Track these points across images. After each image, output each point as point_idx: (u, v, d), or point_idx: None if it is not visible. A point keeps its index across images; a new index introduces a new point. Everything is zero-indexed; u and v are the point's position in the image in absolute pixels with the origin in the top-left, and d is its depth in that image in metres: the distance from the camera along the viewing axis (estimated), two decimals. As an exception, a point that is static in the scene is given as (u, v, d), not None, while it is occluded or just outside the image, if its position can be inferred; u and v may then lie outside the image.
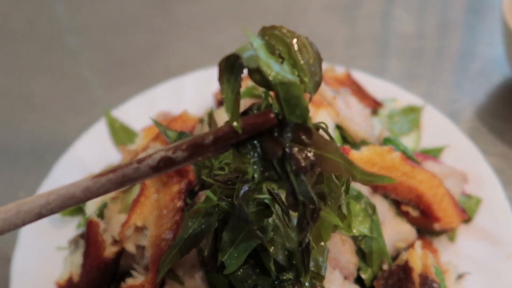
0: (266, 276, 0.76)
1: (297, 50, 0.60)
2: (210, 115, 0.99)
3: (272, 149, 0.59)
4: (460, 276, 0.99)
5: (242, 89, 0.62)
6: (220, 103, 1.23)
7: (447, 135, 1.19)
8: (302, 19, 1.77)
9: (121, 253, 0.92)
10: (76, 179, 0.63)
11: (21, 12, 1.86)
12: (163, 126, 0.96)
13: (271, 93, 0.60)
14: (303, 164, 0.59)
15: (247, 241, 0.74)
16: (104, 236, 0.92)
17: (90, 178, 0.59)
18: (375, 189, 0.99)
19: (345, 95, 1.10)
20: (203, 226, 0.78)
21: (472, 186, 1.10)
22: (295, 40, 0.60)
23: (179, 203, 0.87)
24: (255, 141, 0.61)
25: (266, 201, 0.69)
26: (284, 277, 0.76)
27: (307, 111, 0.59)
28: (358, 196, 0.93)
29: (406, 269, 0.88)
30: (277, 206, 0.70)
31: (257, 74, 0.57)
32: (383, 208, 0.98)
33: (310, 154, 0.59)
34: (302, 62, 0.60)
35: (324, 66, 0.74)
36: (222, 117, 1.00)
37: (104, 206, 1.01)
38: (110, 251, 0.91)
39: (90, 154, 1.22)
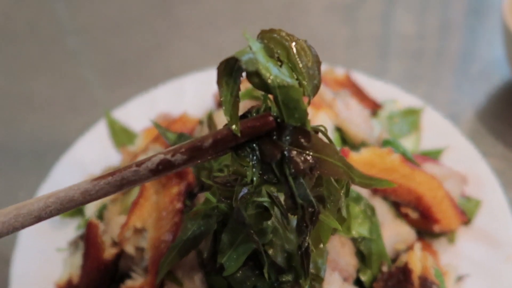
0: (265, 278, 0.76)
1: (295, 53, 0.60)
2: (210, 117, 0.99)
3: (271, 152, 0.59)
4: (459, 278, 0.99)
5: (242, 91, 0.62)
6: (219, 104, 1.23)
7: (446, 137, 1.19)
8: (302, 20, 1.77)
9: (121, 254, 0.92)
10: (76, 179, 0.64)
11: (22, 12, 1.86)
12: (162, 128, 0.96)
13: (270, 96, 0.60)
14: (301, 167, 0.59)
15: (246, 243, 0.74)
16: (104, 238, 0.92)
17: (89, 181, 0.59)
18: (375, 191, 0.99)
19: (344, 97, 1.10)
20: (202, 228, 0.79)
21: (471, 188, 1.10)
22: (294, 44, 0.60)
23: (178, 205, 0.87)
24: (254, 144, 0.61)
25: (265, 203, 0.69)
26: (283, 279, 0.75)
27: (306, 114, 0.59)
28: (358, 198, 0.93)
29: (405, 271, 0.88)
30: (276, 208, 0.70)
31: (256, 77, 0.57)
32: (382, 210, 0.98)
33: (309, 157, 0.59)
34: (301, 65, 0.60)
35: (324, 67, 0.74)
36: (221, 118, 1.00)
37: (103, 207, 1.01)
38: (109, 252, 0.91)
39: (90, 154, 1.22)
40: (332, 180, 0.64)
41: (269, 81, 0.57)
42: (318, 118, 1.00)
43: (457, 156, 1.16)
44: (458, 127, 1.25)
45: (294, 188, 0.59)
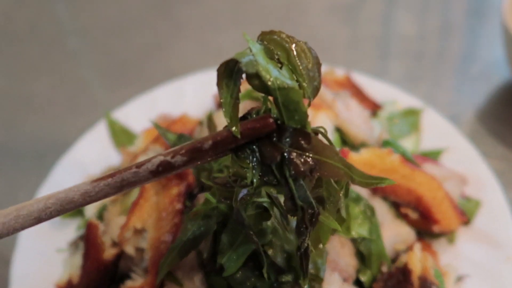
0: (265, 278, 0.77)
1: (296, 55, 0.60)
2: (210, 118, 0.99)
3: (270, 154, 0.59)
4: (459, 279, 0.99)
5: (241, 92, 0.62)
6: (219, 105, 1.23)
7: (446, 137, 1.19)
8: (302, 20, 1.76)
9: (121, 255, 0.92)
10: (76, 180, 0.64)
11: (23, 13, 1.86)
12: (162, 128, 0.96)
13: (270, 98, 0.60)
14: (302, 169, 0.59)
15: (246, 244, 0.74)
16: (104, 238, 0.92)
17: (89, 182, 0.60)
18: (374, 191, 0.99)
19: (344, 98, 1.10)
20: (202, 229, 0.79)
21: (471, 188, 1.10)
22: (294, 45, 0.60)
23: (178, 206, 0.87)
24: (254, 146, 0.61)
25: (265, 204, 0.70)
26: (283, 280, 0.76)
27: (306, 116, 0.59)
28: (357, 198, 0.93)
29: (405, 271, 0.88)
30: (275, 209, 0.70)
31: (256, 79, 0.57)
32: (382, 210, 0.98)
33: (309, 159, 0.59)
34: (301, 67, 0.60)
35: (324, 68, 0.74)
36: (221, 119, 1.00)
37: (103, 208, 1.01)
38: (109, 253, 0.91)
39: (90, 155, 1.22)
40: (332, 181, 0.64)
41: (269, 83, 0.57)
42: (318, 118, 1.00)
43: (457, 157, 1.16)
44: (458, 127, 1.26)
45: (294, 190, 0.59)
